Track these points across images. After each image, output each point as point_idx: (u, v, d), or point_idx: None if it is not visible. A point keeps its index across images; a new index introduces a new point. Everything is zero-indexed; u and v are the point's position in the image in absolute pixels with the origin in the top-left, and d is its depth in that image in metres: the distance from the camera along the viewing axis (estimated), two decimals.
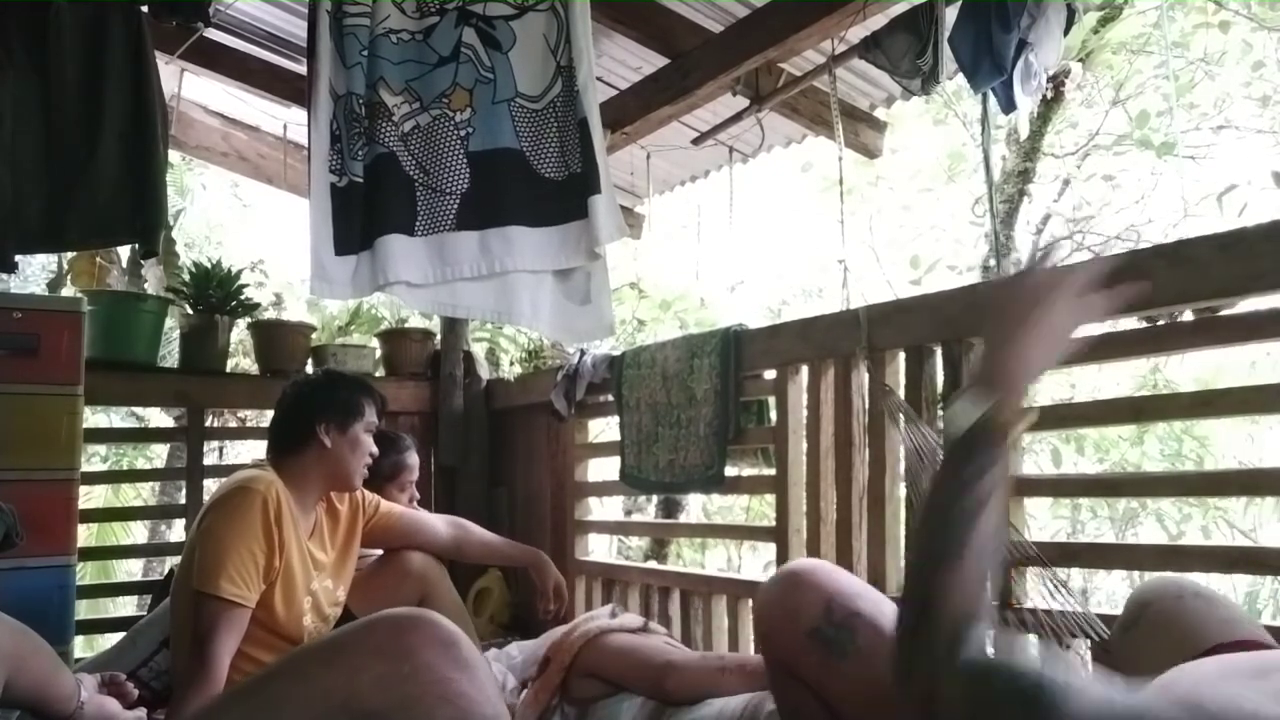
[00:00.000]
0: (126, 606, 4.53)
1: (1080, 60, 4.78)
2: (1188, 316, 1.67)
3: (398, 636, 0.93)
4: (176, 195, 6.65)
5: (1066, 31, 2.58)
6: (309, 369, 3.38)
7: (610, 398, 2.94)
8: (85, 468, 2.75)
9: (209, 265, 3.22)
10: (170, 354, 3.91)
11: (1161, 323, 1.69)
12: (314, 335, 3.60)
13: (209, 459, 3.36)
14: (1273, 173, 4.24)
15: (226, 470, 3.25)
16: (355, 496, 2.24)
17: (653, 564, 4.71)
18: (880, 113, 3.40)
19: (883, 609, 1.33)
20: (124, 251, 3.44)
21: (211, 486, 2.94)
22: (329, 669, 0.93)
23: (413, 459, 2.74)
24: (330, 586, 2.09)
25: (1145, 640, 1.20)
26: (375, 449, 2.12)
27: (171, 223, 3.48)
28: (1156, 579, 1.44)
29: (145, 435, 5.86)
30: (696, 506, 5.57)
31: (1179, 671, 0.91)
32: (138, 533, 5.87)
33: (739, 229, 4.15)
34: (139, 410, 6.30)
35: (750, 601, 2.46)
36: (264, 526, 1.85)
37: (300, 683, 0.94)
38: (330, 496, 2.16)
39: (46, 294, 3.52)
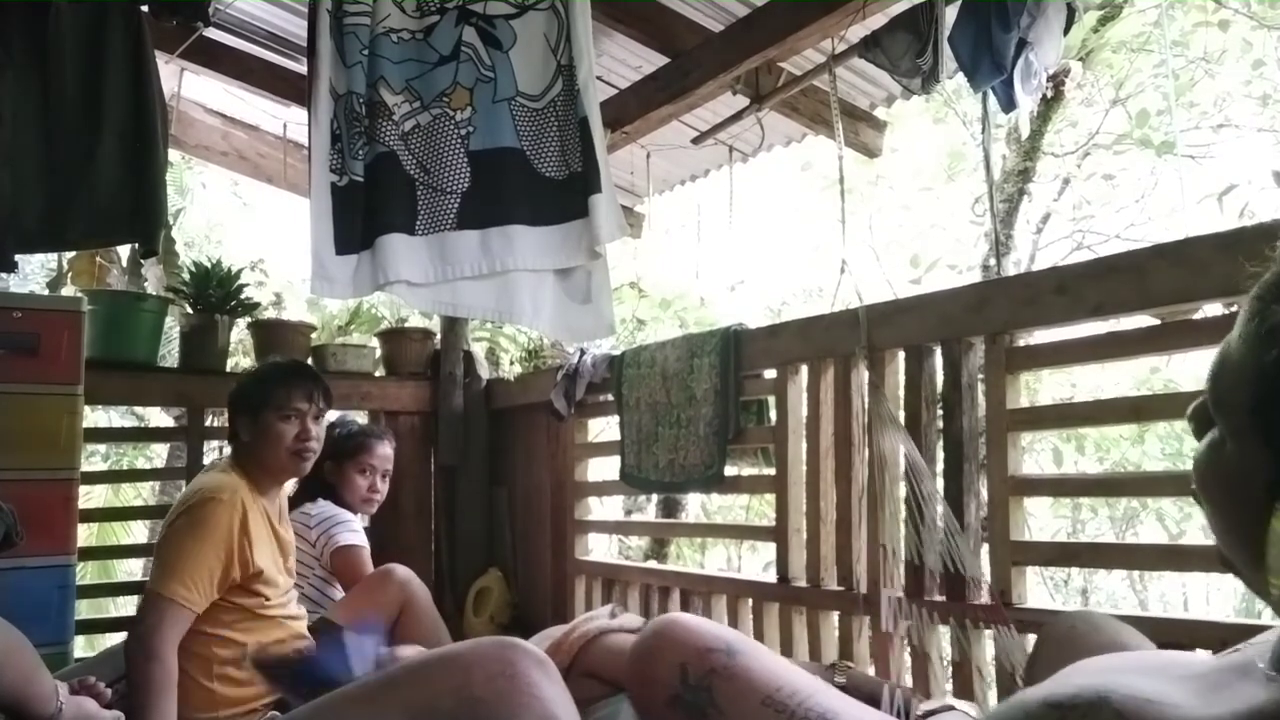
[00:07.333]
0: (126, 606, 4.51)
1: (1080, 59, 4.78)
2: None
3: (502, 650, 1.13)
4: (176, 195, 6.65)
5: (1066, 30, 2.58)
6: None
7: (610, 397, 2.94)
8: (85, 467, 2.75)
9: (209, 265, 3.22)
10: (170, 354, 3.91)
11: (1163, 322, 1.69)
12: (314, 335, 3.60)
13: (209, 459, 3.35)
14: (1273, 172, 4.24)
15: None
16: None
17: (653, 564, 4.71)
18: (880, 112, 3.39)
19: (737, 657, 1.31)
20: (124, 251, 3.44)
21: None
22: (445, 668, 1.12)
23: (379, 447, 2.75)
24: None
25: (1043, 672, 1.22)
26: (314, 430, 2.13)
27: (171, 222, 3.48)
28: (1060, 616, 1.49)
29: (145, 435, 5.86)
30: (696, 506, 5.57)
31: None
32: (138, 533, 5.85)
33: (739, 228, 4.15)
34: (139, 410, 6.29)
35: (750, 601, 2.46)
36: (226, 538, 1.95)
37: (420, 677, 1.13)
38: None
39: (46, 294, 3.51)
